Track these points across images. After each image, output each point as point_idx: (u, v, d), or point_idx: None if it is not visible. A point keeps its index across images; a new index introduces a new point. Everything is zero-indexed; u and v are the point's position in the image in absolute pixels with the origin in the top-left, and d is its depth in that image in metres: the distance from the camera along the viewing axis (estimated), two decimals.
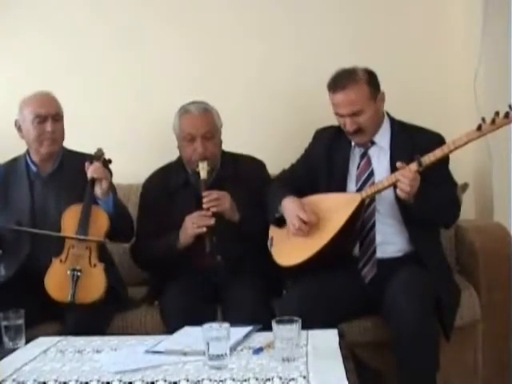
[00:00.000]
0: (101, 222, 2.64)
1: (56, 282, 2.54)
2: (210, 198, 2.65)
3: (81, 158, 2.72)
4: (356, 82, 2.51)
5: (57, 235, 2.61)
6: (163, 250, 2.72)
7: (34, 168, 2.77)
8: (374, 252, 2.54)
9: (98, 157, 2.72)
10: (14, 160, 2.83)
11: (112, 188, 2.74)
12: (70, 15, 3.33)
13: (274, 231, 2.68)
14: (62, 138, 2.77)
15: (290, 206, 2.56)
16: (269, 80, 3.31)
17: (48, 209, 2.72)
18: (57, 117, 2.72)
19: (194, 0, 3.33)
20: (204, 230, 2.60)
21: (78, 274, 2.52)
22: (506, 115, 2.28)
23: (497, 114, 2.29)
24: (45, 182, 2.76)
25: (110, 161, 2.76)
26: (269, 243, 2.67)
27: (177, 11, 3.31)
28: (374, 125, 2.58)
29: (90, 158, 2.71)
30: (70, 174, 2.75)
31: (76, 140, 2.86)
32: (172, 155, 2.93)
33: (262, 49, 3.31)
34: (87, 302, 2.50)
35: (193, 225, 2.64)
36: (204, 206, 2.64)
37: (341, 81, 2.53)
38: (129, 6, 3.33)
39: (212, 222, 2.62)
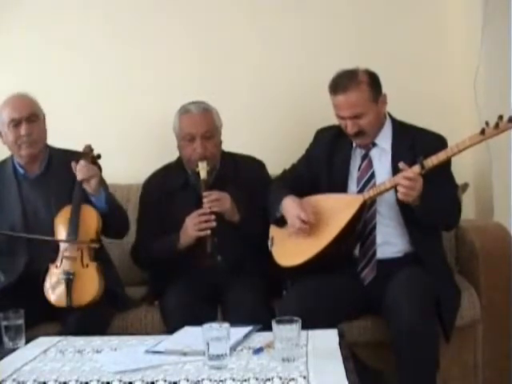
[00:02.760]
0: (91, 222, 2.63)
1: (53, 288, 2.54)
2: (210, 198, 2.65)
3: (69, 156, 2.68)
4: (357, 85, 2.49)
5: (45, 239, 2.59)
6: (164, 250, 2.72)
7: (20, 170, 2.74)
8: (375, 254, 2.53)
9: (87, 154, 2.69)
10: (3, 162, 2.80)
11: (103, 184, 2.72)
12: (70, 14, 3.33)
13: (274, 231, 2.67)
14: (42, 139, 2.73)
15: (290, 206, 2.55)
16: (270, 81, 3.31)
17: (38, 211, 2.71)
18: (32, 118, 2.67)
19: (195, 0, 3.33)
20: (209, 233, 2.60)
21: (71, 277, 2.51)
22: (510, 120, 2.27)
23: (500, 118, 2.28)
24: (33, 183, 2.73)
25: (98, 156, 2.72)
26: (269, 243, 2.66)
27: (178, 11, 3.31)
28: (376, 127, 2.57)
29: (79, 156, 2.67)
30: (58, 173, 2.72)
31: (76, 140, 2.85)
32: (172, 155, 2.93)
33: (263, 49, 3.31)
34: (84, 304, 2.49)
35: (194, 226, 2.64)
36: (204, 206, 2.64)
37: (342, 83, 2.51)
38: (130, 5, 3.33)
39: (214, 224, 2.62)
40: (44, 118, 2.75)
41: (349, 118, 2.51)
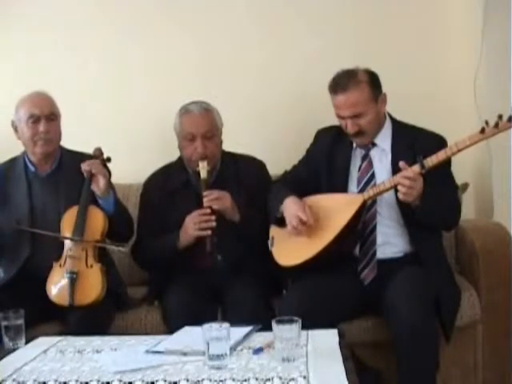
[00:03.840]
0: (97, 223, 2.63)
1: (56, 286, 2.54)
2: (210, 197, 2.65)
3: (80, 158, 2.71)
4: (357, 84, 2.50)
5: (52, 235, 2.60)
6: (164, 249, 2.72)
7: (32, 168, 2.76)
8: (375, 254, 2.53)
9: (97, 156, 2.72)
10: (13, 160, 2.82)
11: (111, 187, 2.73)
12: (72, 13, 3.32)
13: (274, 231, 2.67)
14: (58, 138, 2.75)
15: (291, 206, 2.55)
16: (270, 81, 3.31)
17: (47, 209, 2.71)
18: (51, 116, 2.70)
19: (198, 1, 3.33)
20: (209, 232, 2.60)
21: (74, 276, 2.52)
22: (510, 119, 2.27)
23: (500, 117, 2.28)
24: (43, 182, 2.75)
25: (108, 159, 2.75)
26: (269, 243, 2.66)
27: (180, 12, 3.31)
28: (375, 127, 2.57)
29: (89, 158, 2.70)
30: (68, 174, 2.74)
31: (76, 140, 2.86)
32: (172, 155, 2.93)
33: (264, 50, 3.31)
34: (86, 304, 2.50)
35: (194, 225, 2.64)
36: (205, 205, 2.64)
37: (342, 82, 2.51)
38: (132, 6, 3.32)
39: (214, 223, 2.62)
40: (60, 119, 2.77)
41: (349, 117, 2.51)
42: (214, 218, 2.62)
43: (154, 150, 3.25)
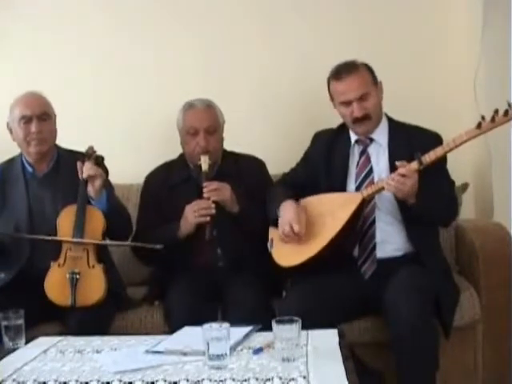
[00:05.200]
0: (96, 222, 2.63)
1: (56, 286, 2.54)
2: (210, 188, 2.66)
3: (77, 157, 2.70)
4: (359, 69, 2.56)
5: (53, 239, 2.59)
6: (164, 240, 2.70)
7: (29, 168, 2.76)
8: (374, 248, 2.54)
9: (90, 155, 2.70)
10: (11, 160, 2.82)
11: (108, 184, 2.72)
12: (72, 13, 3.32)
13: (274, 233, 2.67)
14: (52, 138, 2.75)
15: (286, 211, 2.56)
16: (271, 81, 3.31)
17: (44, 209, 2.71)
18: (44, 116, 2.69)
19: (200, 1, 3.33)
20: (207, 219, 2.62)
21: (77, 276, 2.51)
22: (506, 113, 2.29)
23: (496, 111, 2.30)
24: (40, 182, 2.75)
25: (102, 158, 2.73)
26: (269, 245, 2.66)
27: (181, 12, 3.31)
28: (378, 114, 2.60)
29: (83, 157, 2.68)
30: (66, 173, 2.73)
31: (76, 139, 2.85)
32: (173, 155, 2.93)
33: (265, 50, 3.31)
34: (88, 304, 2.50)
35: (194, 213, 2.65)
36: (204, 195, 2.65)
37: (344, 69, 2.57)
38: (134, 6, 3.32)
39: (213, 211, 2.63)
40: (55, 119, 2.77)
41: (356, 99, 2.52)
42: (213, 205, 2.63)
43: (154, 150, 3.24)
